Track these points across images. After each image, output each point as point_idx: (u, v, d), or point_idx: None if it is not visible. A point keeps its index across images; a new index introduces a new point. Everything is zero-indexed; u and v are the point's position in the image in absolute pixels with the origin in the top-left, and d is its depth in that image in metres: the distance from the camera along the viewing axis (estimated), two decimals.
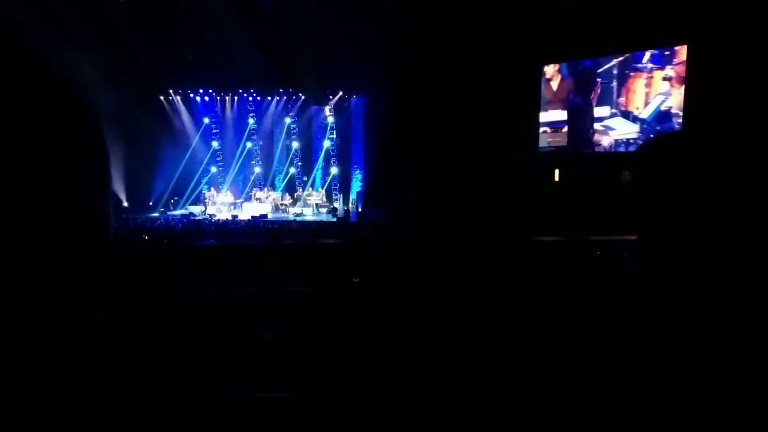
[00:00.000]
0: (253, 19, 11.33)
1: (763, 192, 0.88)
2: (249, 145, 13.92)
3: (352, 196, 13.29)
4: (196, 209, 12.80)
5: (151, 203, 12.93)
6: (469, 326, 2.42)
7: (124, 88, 10.18)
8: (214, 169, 13.94)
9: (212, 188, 13.54)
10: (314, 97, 13.31)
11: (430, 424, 1.78)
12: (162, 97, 13.35)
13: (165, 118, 13.21)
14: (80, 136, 0.61)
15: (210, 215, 12.22)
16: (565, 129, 9.60)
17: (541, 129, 9.80)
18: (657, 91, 8.16)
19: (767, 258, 0.88)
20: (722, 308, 0.86)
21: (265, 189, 13.49)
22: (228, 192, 13.49)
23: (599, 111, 9.04)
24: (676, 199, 0.93)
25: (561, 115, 9.62)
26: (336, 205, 13.30)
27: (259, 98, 13.64)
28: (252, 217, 11.88)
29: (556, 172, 9.72)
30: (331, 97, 13.33)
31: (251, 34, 11.46)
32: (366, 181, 13.16)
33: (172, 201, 13.06)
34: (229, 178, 13.94)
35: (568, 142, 9.44)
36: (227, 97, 13.79)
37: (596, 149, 9.20)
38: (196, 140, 13.71)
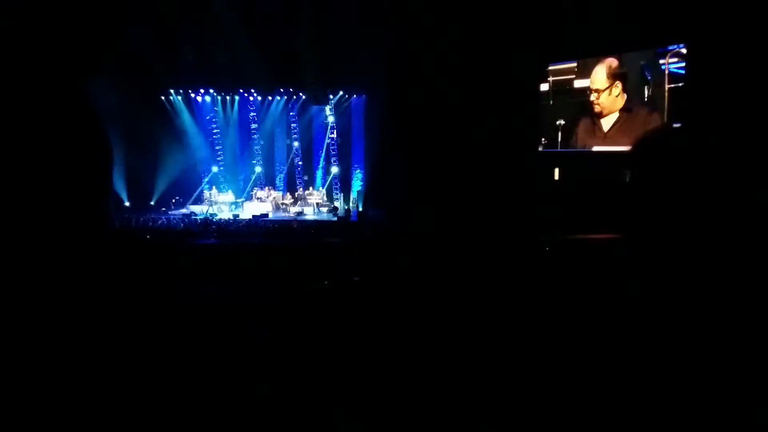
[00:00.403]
0: (253, 18, 11.33)
1: (761, 190, 0.88)
2: (250, 144, 13.93)
3: (353, 196, 13.30)
4: (198, 209, 12.81)
5: (152, 203, 12.94)
6: (469, 324, 2.42)
7: (124, 88, 10.17)
8: (215, 169, 13.94)
9: (213, 188, 13.55)
10: (315, 96, 13.31)
11: (431, 423, 1.78)
12: (163, 97, 13.36)
13: (166, 117, 13.21)
14: (83, 137, 0.61)
15: (211, 214, 12.23)
16: None
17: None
18: None
19: (763, 256, 0.88)
20: (720, 306, 0.86)
21: (266, 188, 13.49)
22: (229, 191, 13.50)
23: None
24: (672, 196, 0.93)
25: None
26: (337, 204, 13.30)
27: (259, 98, 13.64)
28: (253, 216, 11.88)
29: (556, 171, 9.70)
30: (331, 96, 13.33)
31: (252, 33, 11.46)
32: (366, 180, 13.16)
33: (174, 201, 13.07)
34: (230, 177, 13.95)
35: None
36: (228, 97, 13.79)
37: None
38: (196, 140, 13.71)
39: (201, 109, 13.83)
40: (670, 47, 7.86)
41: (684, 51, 7.74)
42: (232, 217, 11.94)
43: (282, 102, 13.67)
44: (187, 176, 13.36)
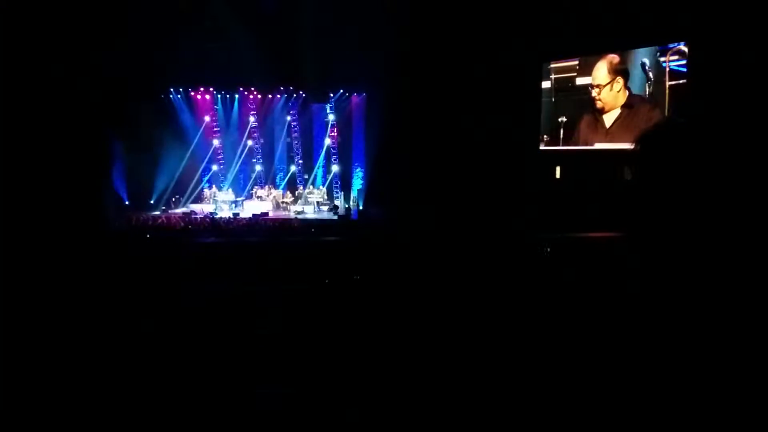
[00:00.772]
0: (254, 17, 11.31)
1: (762, 189, 0.86)
2: (250, 143, 13.91)
3: (353, 194, 13.28)
4: (197, 207, 12.80)
5: (152, 201, 12.92)
6: (470, 322, 2.41)
7: (124, 86, 10.15)
8: (215, 168, 13.93)
9: (213, 186, 13.54)
10: (315, 95, 13.29)
11: (432, 421, 1.77)
12: (163, 96, 13.34)
13: (166, 116, 13.19)
14: (82, 136, 0.60)
15: (211, 213, 12.21)
16: None
17: None
18: None
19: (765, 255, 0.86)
20: (723, 304, 0.84)
21: (267, 187, 13.48)
22: (229, 190, 13.48)
23: None
24: (676, 192, 0.90)
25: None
26: (337, 203, 13.29)
27: (260, 96, 13.62)
28: (253, 215, 11.87)
29: (557, 169, 9.68)
30: (331, 95, 13.32)
31: (252, 32, 11.44)
32: (367, 178, 13.15)
33: (173, 199, 13.06)
34: (230, 176, 13.93)
35: None
36: (228, 96, 13.77)
37: None
38: (197, 138, 13.70)
39: (201, 108, 13.81)
40: (671, 45, 7.88)
41: (684, 48, 7.77)
42: (232, 216, 11.93)
43: (282, 100, 13.65)
44: (186, 175, 13.34)
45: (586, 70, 9.15)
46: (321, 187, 13.68)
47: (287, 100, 13.60)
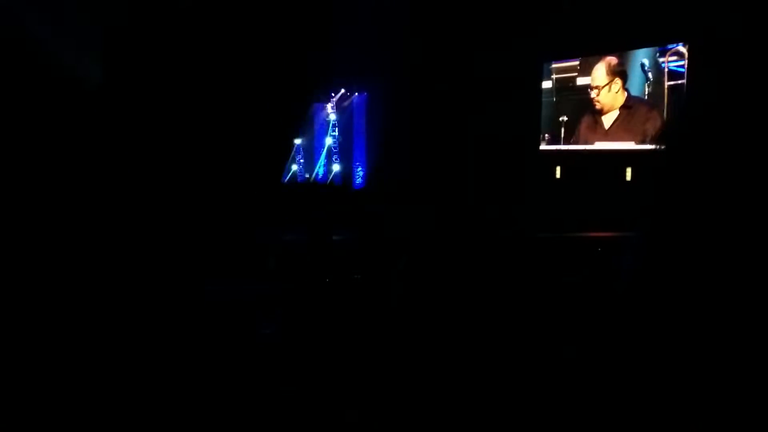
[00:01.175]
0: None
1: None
2: None
3: None
4: None
5: None
6: (471, 321, 2.43)
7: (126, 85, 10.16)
8: None
9: None
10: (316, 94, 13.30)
11: (434, 422, 1.79)
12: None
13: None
14: (90, 131, 0.62)
15: None
16: None
17: None
18: None
19: None
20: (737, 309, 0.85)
21: None
22: None
23: None
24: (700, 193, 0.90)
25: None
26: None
27: None
28: None
29: (558, 169, 9.72)
30: (333, 94, 13.32)
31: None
32: (367, 177, 13.16)
33: None
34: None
35: None
36: None
37: None
38: None
39: None
40: (670, 46, 7.96)
41: (683, 49, 7.85)
42: None
43: None
44: None
45: (587, 70, 9.23)
46: None
47: None
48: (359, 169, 13.49)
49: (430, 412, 1.89)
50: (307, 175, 13.85)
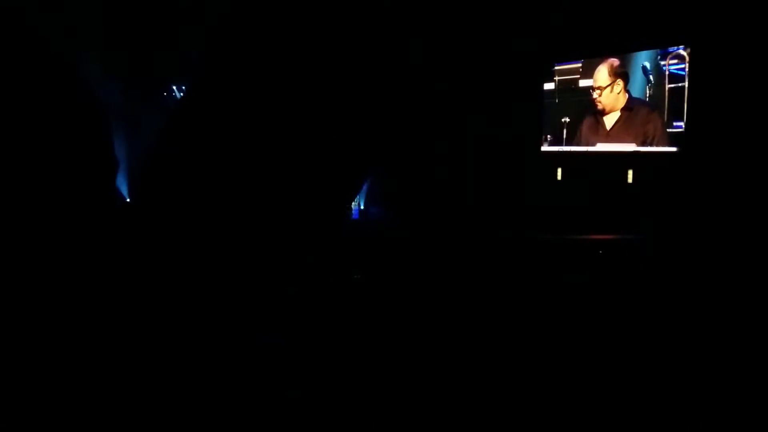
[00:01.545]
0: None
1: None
2: None
3: None
4: None
5: None
6: (470, 323, 2.42)
7: (126, 85, 10.18)
8: None
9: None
10: None
11: (433, 423, 1.79)
12: (165, 94, 13.36)
13: (168, 115, 13.21)
14: (85, 129, 0.61)
15: None
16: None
17: None
18: None
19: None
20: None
21: None
22: None
23: None
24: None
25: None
26: None
27: None
28: None
29: (559, 170, 9.74)
30: None
31: None
32: (368, 178, 13.18)
33: None
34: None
35: None
36: None
37: None
38: None
39: None
40: (671, 49, 8.08)
41: (684, 53, 7.98)
42: None
43: None
44: None
45: (589, 72, 9.35)
46: None
47: None
48: None
49: (429, 412, 1.89)
50: None
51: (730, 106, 6.82)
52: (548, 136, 10.01)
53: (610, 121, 8.93)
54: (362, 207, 12.87)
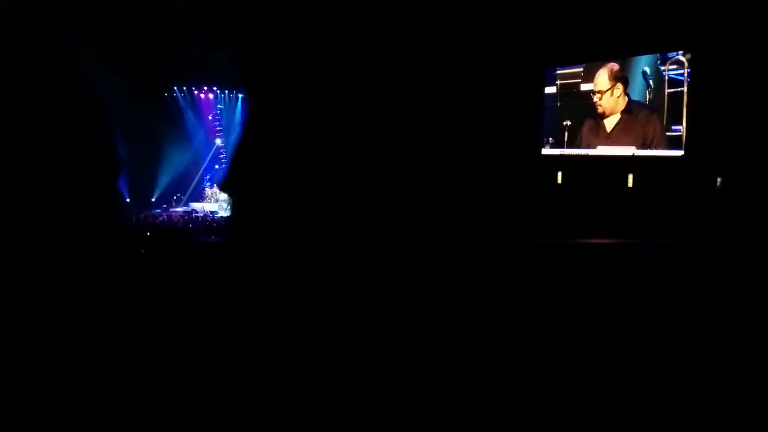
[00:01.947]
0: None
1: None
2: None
3: None
4: (198, 206, 12.83)
5: (153, 199, 12.96)
6: (469, 327, 2.43)
7: (127, 84, 10.19)
8: (217, 167, 13.97)
9: (215, 185, 13.57)
10: None
11: (434, 422, 1.79)
12: (166, 94, 13.38)
13: (169, 114, 13.23)
14: (88, 129, 0.61)
15: (212, 212, 12.24)
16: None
17: None
18: None
19: None
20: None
21: None
22: None
23: None
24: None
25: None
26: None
27: None
28: None
29: (559, 174, 9.76)
30: None
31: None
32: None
33: (175, 198, 13.09)
34: None
35: None
36: (231, 95, 13.81)
37: None
38: (199, 137, 13.73)
39: (204, 107, 13.85)
40: (671, 54, 8.22)
41: (683, 58, 8.14)
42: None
43: None
44: (189, 173, 13.37)
45: (590, 77, 9.50)
46: None
47: None
48: None
49: (431, 412, 1.89)
50: None
51: (729, 110, 6.84)
52: (550, 138, 10.11)
53: (610, 123, 9.04)
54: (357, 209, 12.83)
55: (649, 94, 8.51)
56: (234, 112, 13.87)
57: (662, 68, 8.29)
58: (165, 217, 11.53)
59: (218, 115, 13.68)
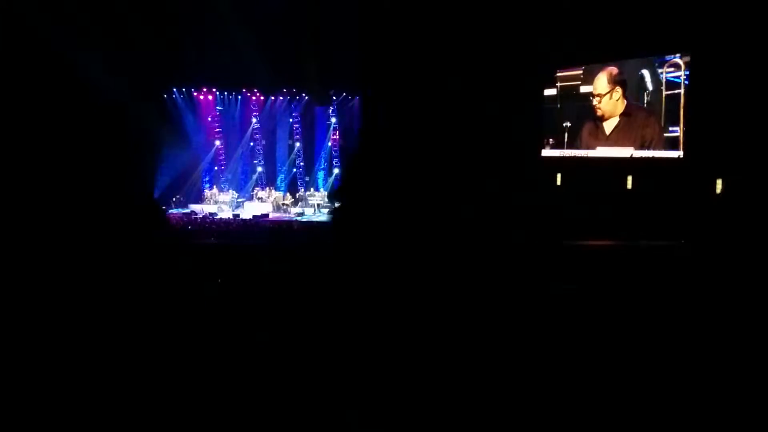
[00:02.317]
0: (257, 18, 11.35)
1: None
2: (251, 144, 13.95)
3: None
4: (198, 207, 12.83)
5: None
6: (466, 329, 2.43)
7: (127, 86, 10.19)
8: (216, 168, 13.97)
9: (214, 187, 13.57)
10: (318, 97, 13.32)
11: (433, 422, 1.79)
12: (165, 96, 13.37)
13: (168, 116, 13.23)
14: (120, 134, 0.61)
15: (211, 214, 12.24)
16: None
17: None
18: None
19: None
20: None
21: (267, 188, 13.50)
22: (230, 191, 13.52)
23: None
24: None
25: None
26: (337, 205, 13.29)
27: (262, 98, 13.65)
28: (253, 216, 11.90)
29: (558, 176, 9.80)
30: (334, 97, 13.34)
31: (255, 33, 11.47)
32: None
33: (174, 199, 13.09)
34: (231, 176, 13.96)
35: None
36: (231, 97, 13.81)
37: None
38: (199, 139, 13.73)
39: (203, 109, 13.84)
40: (668, 57, 8.30)
41: (680, 61, 8.25)
42: (232, 217, 11.96)
43: (285, 102, 13.68)
44: (188, 175, 13.37)
45: (589, 79, 9.59)
46: (322, 189, 13.70)
47: (290, 101, 13.63)
48: None
49: (429, 413, 1.89)
50: (307, 179, 13.88)
51: (726, 111, 6.86)
52: (550, 139, 10.17)
53: (609, 126, 9.11)
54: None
55: (647, 97, 8.59)
56: (233, 114, 13.88)
57: (660, 71, 8.38)
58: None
59: (217, 117, 13.68)
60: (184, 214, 12.25)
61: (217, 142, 13.88)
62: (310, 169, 14.04)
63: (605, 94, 9.07)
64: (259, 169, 13.95)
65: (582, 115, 9.55)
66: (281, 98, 13.60)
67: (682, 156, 8.19)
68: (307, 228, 10.56)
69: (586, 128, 9.50)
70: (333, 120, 13.58)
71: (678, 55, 8.16)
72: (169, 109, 13.35)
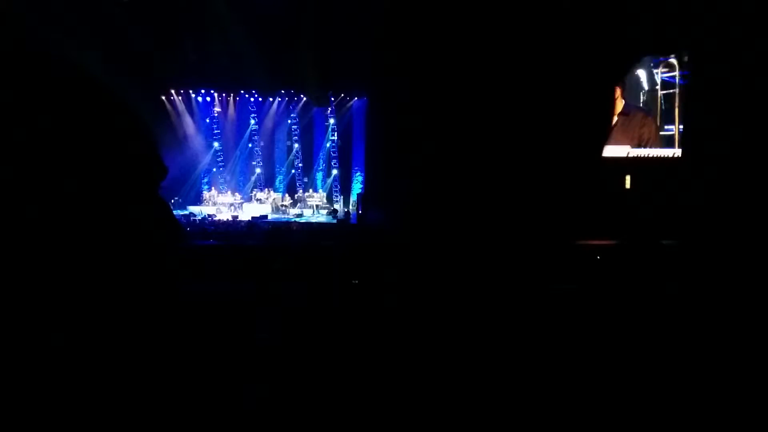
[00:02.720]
0: (255, 19, 11.35)
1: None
2: (250, 145, 13.95)
3: (353, 198, 13.32)
4: (197, 209, 12.83)
5: None
6: (472, 329, 2.44)
7: (125, 88, 10.19)
8: (215, 170, 13.97)
9: (213, 188, 13.56)
10: (316, 98, 13.33)
11: (431, 425, 1.80)
12: (163, 97, 13.37)
13: (166, 118, 13.23)
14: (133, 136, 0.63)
15: (210, 215, 12.24)
16: None
17: None
18: None
19: None
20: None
21: (266, 190, 13.51)
22: (229, 192, 13.52)
23: None
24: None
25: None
26: (336, 206, 13.32)
27: (260, 99, 13.66)
28: (252, 217, 11.90)
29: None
30: (333, 99, 13.35)
31: (253, 34, 11.47)
32: (367, 183, 13.20)
33: (173, 201, 13.09)
34: (230, 177, 13.96)
35: None
36: (229, 98, 13.81)
37: None
38: (197, 140, 13.73)
39: (201, 110, 13.85)
40: (662, 58, 8.48)
41: (674, 61, 8.42)
42: (231, 218, 11.97)
43: (283, 103, 13.69)
44: (186, 177, 13.37)
45: None
46: (320, 190, 13.71)
47: (288, 102, 13.64)
48: (358, 174, 13.51)
49: (430, 415, 1.91)
50: (306, 180, 13.89)
51: (723, 109, 6.90)
52: None
53: None
54: (360, 212, 12.91)
55: (644, 96, 8.77)
56: (232, 116, 13.89)
57: (655, 71, 8.58)
58: None
59: (216, 119, 13.69)
60: (183, 215, 12.25)
61: (216, 144, 13.88)
62: (308, 170, 14.04)
63: None
64: (258, 170, 13.95)
65: None
66: (279, 99, 13.61)
67: (678, 155, 8.25)
68: (306, 229, 10.57)
69: None
70: (331, 121, 13.58)
71: (673, 55, 8.34)
72: (167, 110, 13.35)
